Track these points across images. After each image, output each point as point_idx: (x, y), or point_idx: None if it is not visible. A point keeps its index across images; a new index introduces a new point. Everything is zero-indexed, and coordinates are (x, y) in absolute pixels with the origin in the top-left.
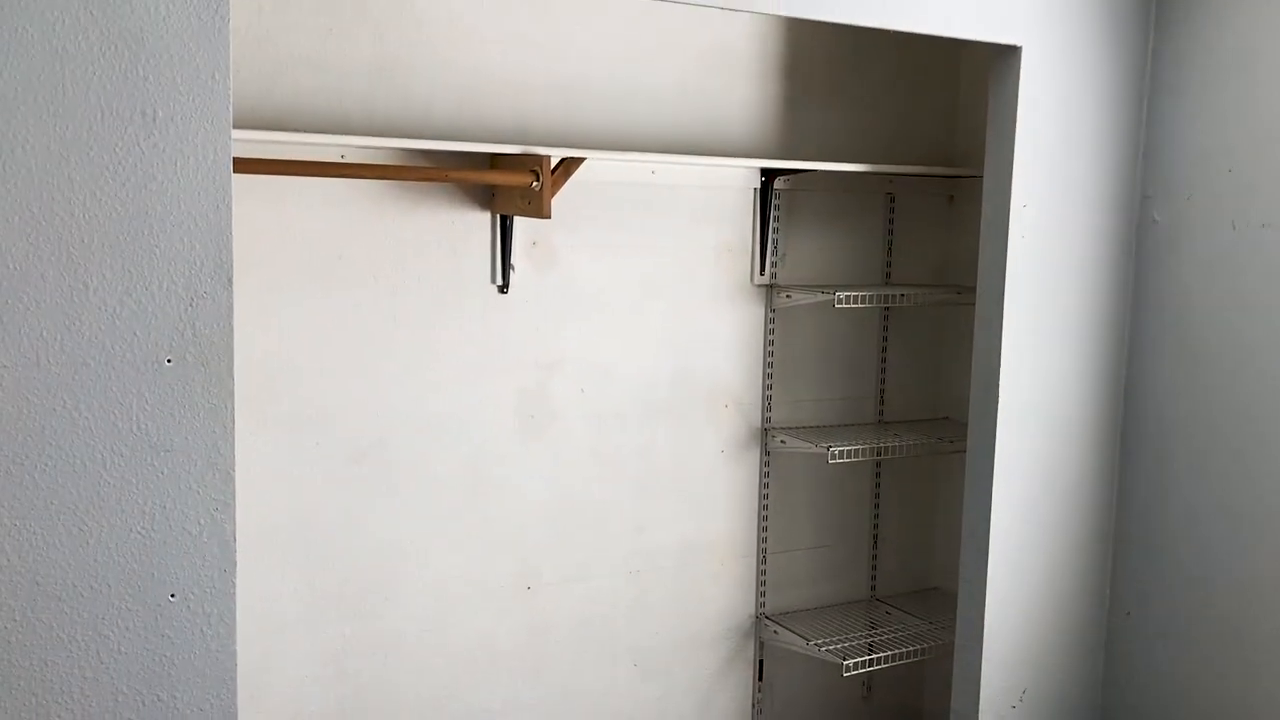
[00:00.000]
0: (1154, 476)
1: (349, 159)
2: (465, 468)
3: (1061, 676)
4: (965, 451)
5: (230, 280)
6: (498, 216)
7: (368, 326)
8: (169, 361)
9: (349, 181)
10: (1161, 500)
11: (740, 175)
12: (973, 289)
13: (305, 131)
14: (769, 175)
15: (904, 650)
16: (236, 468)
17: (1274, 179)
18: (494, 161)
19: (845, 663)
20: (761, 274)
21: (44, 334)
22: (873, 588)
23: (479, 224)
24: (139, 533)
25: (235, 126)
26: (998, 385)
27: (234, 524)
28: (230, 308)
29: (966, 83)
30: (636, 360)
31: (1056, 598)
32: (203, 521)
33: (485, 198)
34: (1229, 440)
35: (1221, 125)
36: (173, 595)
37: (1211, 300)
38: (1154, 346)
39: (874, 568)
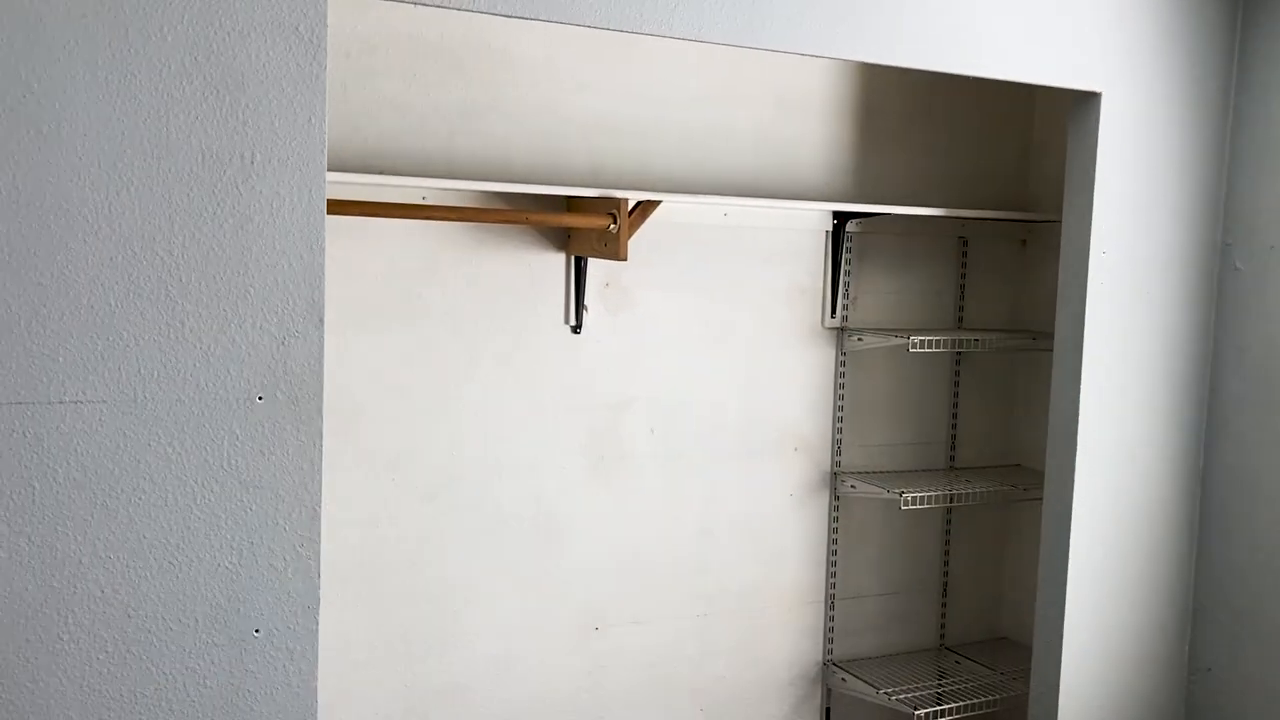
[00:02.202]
0: (1236, 529)
1: (430, 200)
2: (534, 508)
3: None
4: (1038, 499)
5: (321, 320)
6: (572, 258)
7: (444, 366)
8: (260, 399)
9: (429, 223)
10: (1243, 554)
11: (813, 218)
12: (1046, 334)
13: (390, 174)
14: (841, 218)
15: (976, 701)
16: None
17: None
18: (570, 204)
19: (916, 712)
20: (833, 317)
21: (141, 371)
22: (941, 637)
23: (554, 265)
24: (227, 568)
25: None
26: (1076, 432)
27: (319, 561)
28: (321, 347)
29: (1040, 126)
30: (707, 401)
31: (1134, 652)
32: (288, 558)
33: (561, 240)
34: None
35: None
36: (257, 631)
37: None
38: (1236, 396)
39: (943, 616)
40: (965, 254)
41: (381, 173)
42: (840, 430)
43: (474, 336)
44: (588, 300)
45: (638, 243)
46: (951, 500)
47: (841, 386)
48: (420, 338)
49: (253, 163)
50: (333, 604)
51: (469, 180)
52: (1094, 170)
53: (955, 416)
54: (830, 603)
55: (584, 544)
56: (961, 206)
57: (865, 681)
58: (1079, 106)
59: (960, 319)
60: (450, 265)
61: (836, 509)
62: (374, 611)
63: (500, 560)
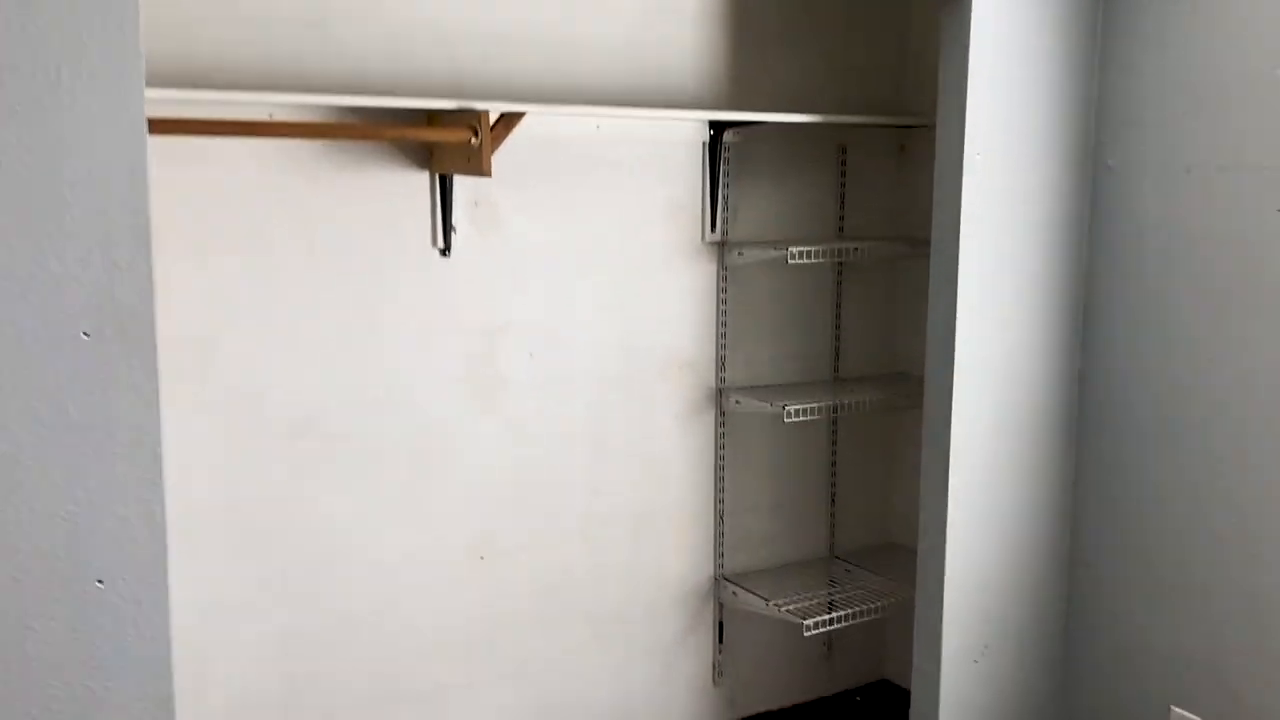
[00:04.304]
0: (1113, 427)
1: (277, 118)
2: (411, 438)
3: (1023, 629)
4: (920, 406)
5: (148, 247)
6: (437, 176)
7: (301, 295)
8: (86, 335)
9: (278, 142)
10: (1120, 453)
11: (688, 129)
12: (926, 241)
13: (229, 89)
14: (718, 129)
15: (864, 608)
16: (167, 449)
17: (1228, 121)
18: (431, 118)
19: (805, 622)
20: (713, 231)
21: None
22: (832, 546)
23: (418, 184)
24: (62, 517)
25: (152, 85)
26: (954, 338)
27: (163, 506)
28: (150, 276)
29: (917, 30)
30: (586, 323)
31: (1017, 551)
32: (130, 504)
33: (423, 156)
34: (1186, 389)
35: (1175, 68)
36: (100, 581)
37: (1166, 245)
38: (1110, 295)
39: (832, 526)
40: (845, 162)
41: (220, 88)
42: (724, 346)
43: (335, 262)
44: (456, 221)
45: (507, 159)
46: (836, 411)
47: (724, 302)
48: (274, 265)
49: (59, 77)
50: (197, 549)
51: (319, 94)
52: (966, 71)
53: (839, 327)
54: (720, 518)
55: (467, 472)
56: (840, 113)
57: (756, 594)
58: (949, 4)
59: (841, 229)
60: (303, 187)
61: (723, 425)
62: (245, 553)
63: (379, 493)
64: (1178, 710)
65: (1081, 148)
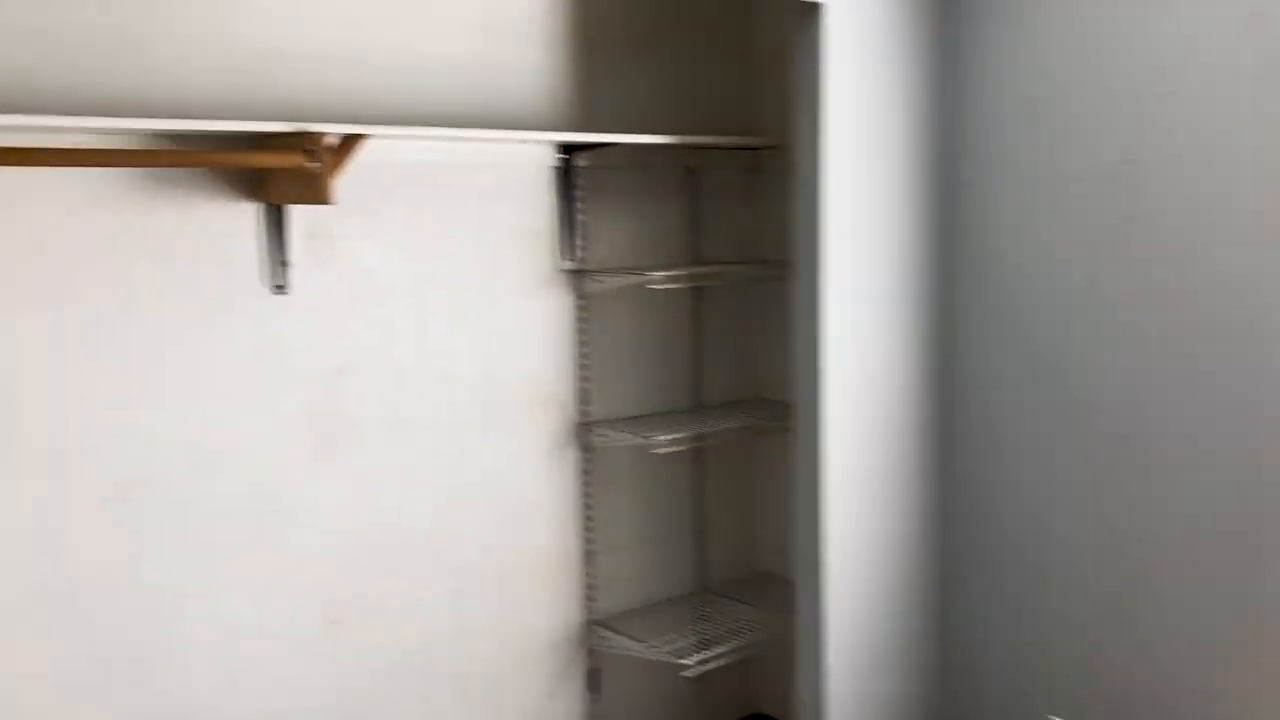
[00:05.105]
0: (979, 437)
1: (85, 145)
2: (248, 495)
3: (903, 648)
4: (786, 430)
5: None
6: (270, 207)
7: (118, 345)
8: None
9: (85, 175)
10: (986, 462)
11: (538, 151)
12: (780, 262)
13: (23, 113)
14: (570, 152)
15: (742, 642)
16: None
17: (1072, 131)
18: (262, 143)
19: (685, 661)
20: (568, 258)
21: None
22: (703, 579)
23: (247, 217)
24: None
25: None
26: (821, 359)
27: None
28: None
29: (767, 52)
30: (437, 359)
31: (892, 569)
32: None
33: (253, 186)
34: (1045, 396)
35: (1018, 83)
36: None
37: (1021, 254)
38: (970, 307)
39: (703, 558)
40: (699, 185)
41: (12, 112)
42: (586, 378)
43: (157, 305)
44: (292, 255)
45: (346, 187)
46: (701, 440)
47: (584, 332)
48: (88, 313)
49: None
50: (15, 635)
51: (134, 119)
52: (822, 90)
53: (699, 353)
54: (589, 560)
55: (313, 531)
56: (691, 134)
57: (630, 637)
58: (803, 20)
59: (698, 252)
60: (118, 222)
61: (589, 461)
62: (63, 635)
63: (215, 559)
64: (1054, 719)
65: (938, 163)
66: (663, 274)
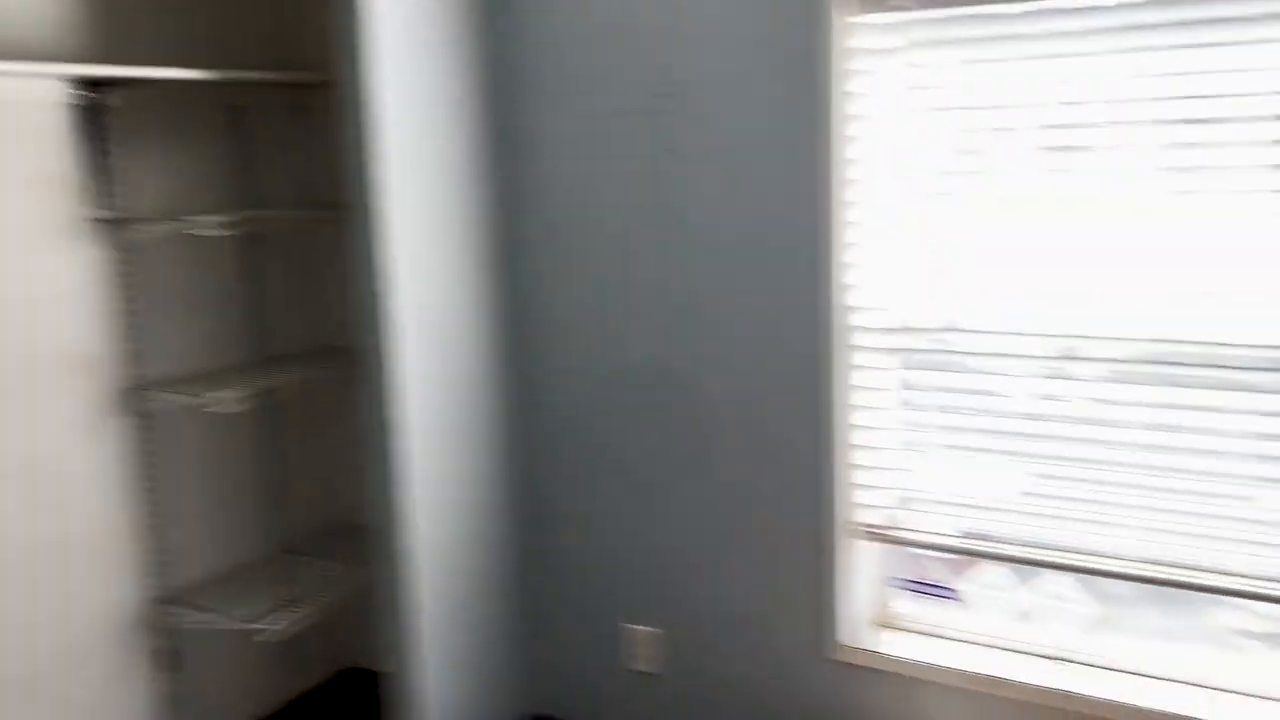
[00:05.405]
0: (550, 372)
1: None
2: None
3: (488, 584)
4: (354, 379)
5: None
6: None
7: None
8: None
9: None
10: (556, 386)
11: (53, 88)
12: (338, 205)
13: None
14: (98, 88)
15: (323, 599)
16: None
17: (611, 70)
18: None
19: (255, 627)
20: (104, 208)
21: None
22: (284, 539)
23: None
24: None
25: None
26: (383, 304)
27: None
28: None
29: None
30: None
31: (472, 508)
32: None
33: None
34: (598, 327)
35: (559, 23)
36: None
37: (571, 192)
38: (532, 246)
39: (280, 517)
40: (249, 124)
41: None
42: (134, 338)
43: None
44: None
45: None
46: (269, 394)
47: (128, 288)
48: None
49: None
50: None
51: None
52: (361, 20)
53: (262, 305)
54: (153, 534)
55: None
56: (233, 69)
57: (202, 609)
58: None
59: (254, 197)
60: None
61: (145, 427)
62: None
63: None
64: (627, 625)
65: (489, 105)
66: (212, 219)
